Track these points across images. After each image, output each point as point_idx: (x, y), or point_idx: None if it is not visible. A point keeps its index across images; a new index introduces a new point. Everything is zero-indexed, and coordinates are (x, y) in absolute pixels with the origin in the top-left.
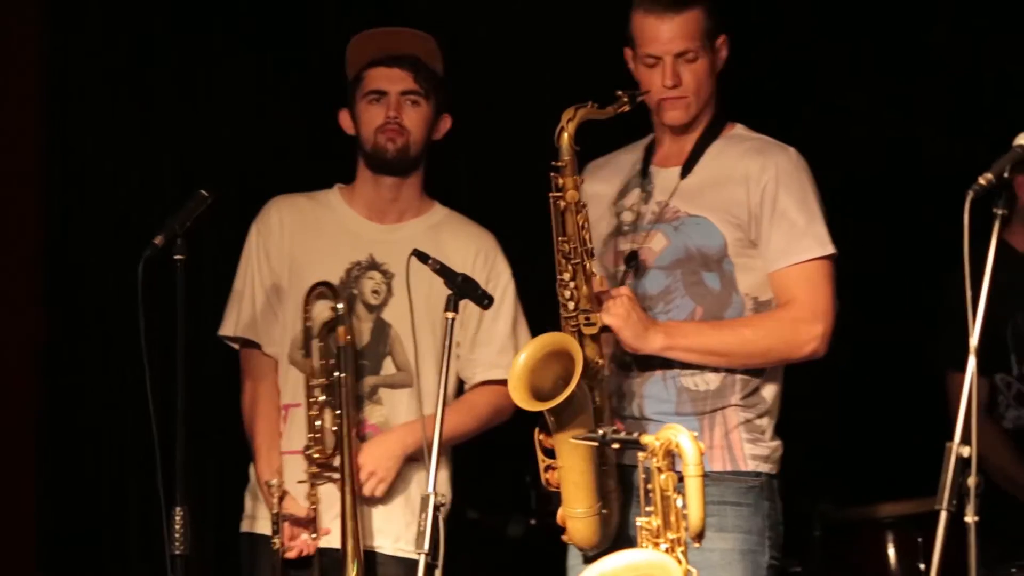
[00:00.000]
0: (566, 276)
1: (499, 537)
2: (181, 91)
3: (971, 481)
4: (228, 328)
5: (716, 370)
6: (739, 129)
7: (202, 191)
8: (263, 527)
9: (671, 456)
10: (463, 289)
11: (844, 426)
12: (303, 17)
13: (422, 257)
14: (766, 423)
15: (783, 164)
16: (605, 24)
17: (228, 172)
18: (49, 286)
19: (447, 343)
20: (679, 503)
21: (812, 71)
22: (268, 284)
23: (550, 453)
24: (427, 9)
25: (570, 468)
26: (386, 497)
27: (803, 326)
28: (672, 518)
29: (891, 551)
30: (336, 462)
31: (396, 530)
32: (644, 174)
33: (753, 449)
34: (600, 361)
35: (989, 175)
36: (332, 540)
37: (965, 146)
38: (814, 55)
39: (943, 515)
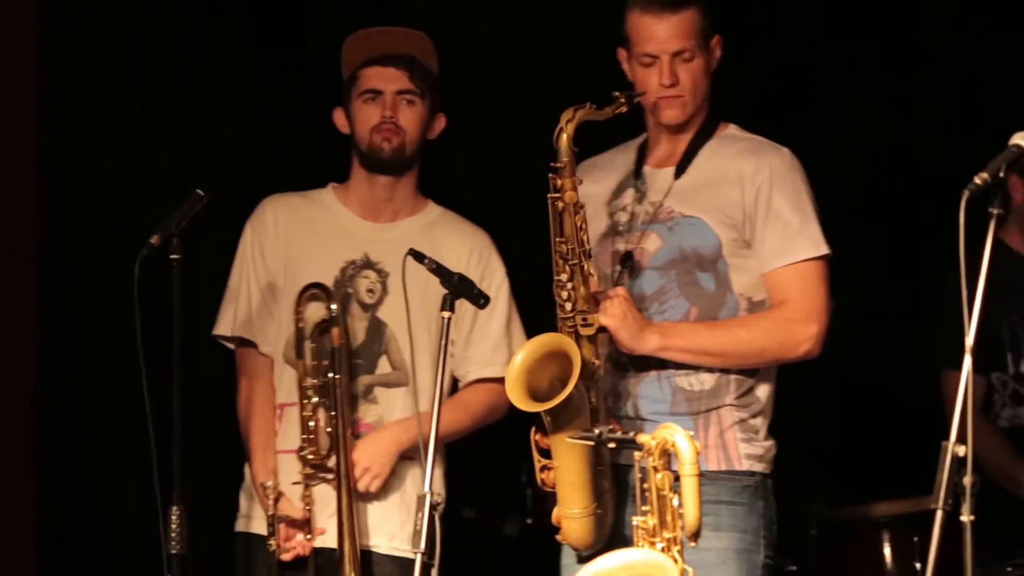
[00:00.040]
0: (563, 277)
1: (495, 536)
2: (181, 91)
3: (967, 480)
4: (224, 327)
5: (711, 370)
6: (732, 129)
7: (198, 191)
8: (259, 527)
9: (667, 455)
10: (459, 288)
11: (840, 426)
12: (302, 17)
13: (418, 256)
14: (760, 423)
15: (777, 165)
16: (603, 24)
17: (227, 172)
18: (48, 286)
19: (443, 342)
20: (675, 502)
21: (812, 71)
22: (263, 283)
23: (546, 453)
24: (425, 9)
25: (566, 468)
26: (381, 496)
27: (797, 326)
28: (668, 517)
29: (887, 550)
30: (331, 463)
31: (391, 529)
32: (638, 174)
33: (748, 448)
34: (596, 362)
35: (985, 175)
36: (327, 540)
37: (963, 146)
38: (814, 55)
39: (939, 514)
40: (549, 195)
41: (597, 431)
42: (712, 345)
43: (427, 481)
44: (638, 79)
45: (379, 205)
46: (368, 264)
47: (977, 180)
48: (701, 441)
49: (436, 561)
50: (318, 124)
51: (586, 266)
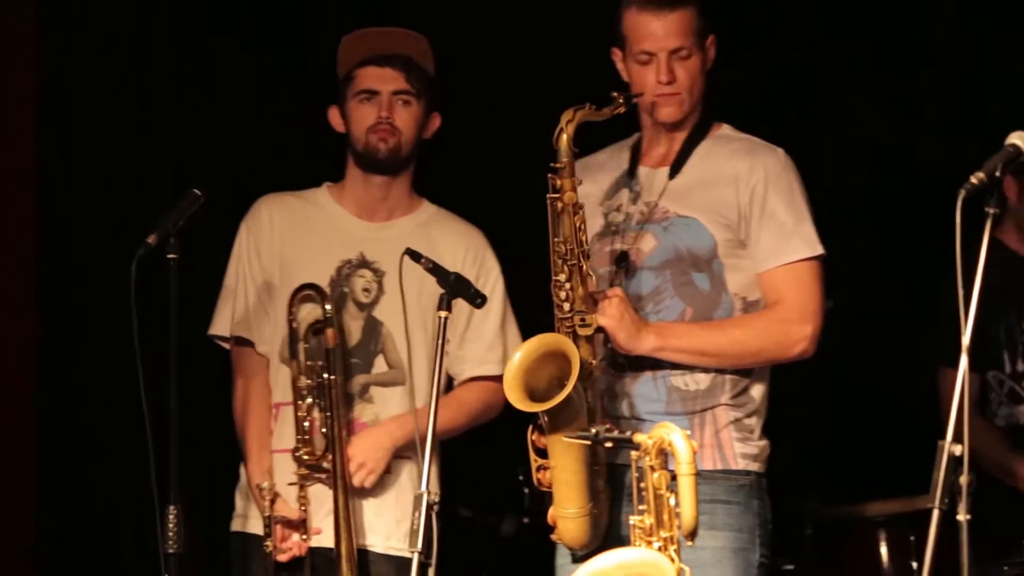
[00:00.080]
0: (562, 277)
1: (492, 536)
2: (181, 91)
3: (963, 479)
4: (221, 327)
5: (706, 370)
6: (726, 129)
7: (195, 190)
8: (255, 527)
9: (664, 455)
10: (456, 288)
11: (837, 425)
12: (302, 18)
13: (415, 256)
14: (755, 422)
15: (771, 165)
16: (598, 25)
17: (226, 172)
18: (48, 286)
19: (440, 342)
20: (672, 501)
21: (812, 71)
22: (259, 282)
23: (542, 453)
24: (422, 9)
25: (563, 468)
26: (377, 495)
27: (793, 326)
28: (665, 516)
29: (883, 549)
30: (326, 463)
31: (387, 528)
32: (632, 174)
33: (743, 448)
34: (593, 362)
35: (981, 174)
36: (323, 539)
37: (963, 146)
38: (814, 55)
39: (935, 513)
40: (548, 195)
41: (594, 430)
42: (708, 345)
43: (424, 480)
44: (634, 77)
45: (374, 204)
46: (364, 263)
47: (973, 180)
48: (696, 440)
49: (433, 560)
50: (315, 123)
51: (584, 266)
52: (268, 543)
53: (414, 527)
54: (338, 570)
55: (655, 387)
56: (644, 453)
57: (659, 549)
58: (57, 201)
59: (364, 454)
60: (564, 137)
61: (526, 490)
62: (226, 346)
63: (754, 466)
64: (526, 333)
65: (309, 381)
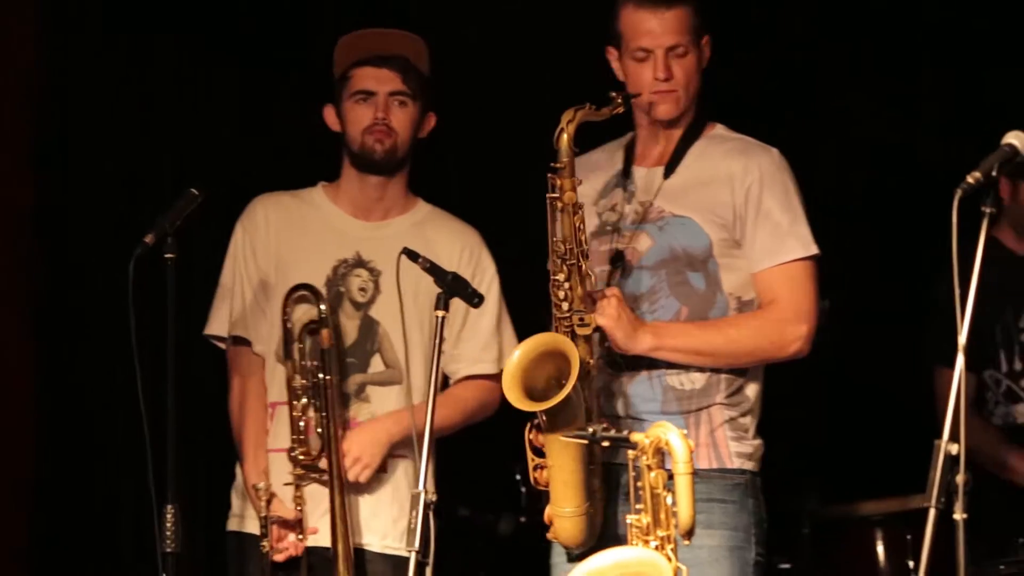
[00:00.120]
0: (560, 277)
1: (489, 535)
2: (180, 91)
3: (960, 478)
4: (219, 327)
5: (701, 369)
6: (720, 129)
7: (192, 190)
8: (251, 526)
9: (661, 454)
10: (453, 287)
11: (833, 424)
12: (302, 18)
13: (412, 256)
14: (749, 421)
15: (766, 165)
16: (593, 26)
17: (225, 172)
18: (47, 286)
19: (437, 341)
20: (669, 501)
21: (812, 71)
22: (255, 282)
23: (539, 452)
24: (417, 10)
25: (560, 467)
26: (373, 494)
27: (788, 326)
28: (662, 516)
29: (880, 548)
30: (321, 463)
31: (383, 527)
32: (626, 174)
33: (738, 447)
34: (591, 361)
35: (977, 174)
36: (319, 539)
37: (963, 146)
38: (814, 55)
39: (932, 512)
40: (548, 195)
41: (591, 430)
42: (704, 345)
43: (422, 479)
44: (631, 75)
45: (370, 204)
46: (360, 263)
47: (970, 179)
48: (692, 440)
49: (431, 559)
50: (313, 123)
51: (584, 266)
52: (264, 543)
53: (411, 526)
54: (335, 569)
55: (650, 386)
56: (641, 452)
57: (656, 548)
58: (57, 201)
59: (360, 449)
60: (565, 137)
61: (523, 489)
62: (222, 346)
63: (749, 465)
64: (521, 332)
65: (304, 381)
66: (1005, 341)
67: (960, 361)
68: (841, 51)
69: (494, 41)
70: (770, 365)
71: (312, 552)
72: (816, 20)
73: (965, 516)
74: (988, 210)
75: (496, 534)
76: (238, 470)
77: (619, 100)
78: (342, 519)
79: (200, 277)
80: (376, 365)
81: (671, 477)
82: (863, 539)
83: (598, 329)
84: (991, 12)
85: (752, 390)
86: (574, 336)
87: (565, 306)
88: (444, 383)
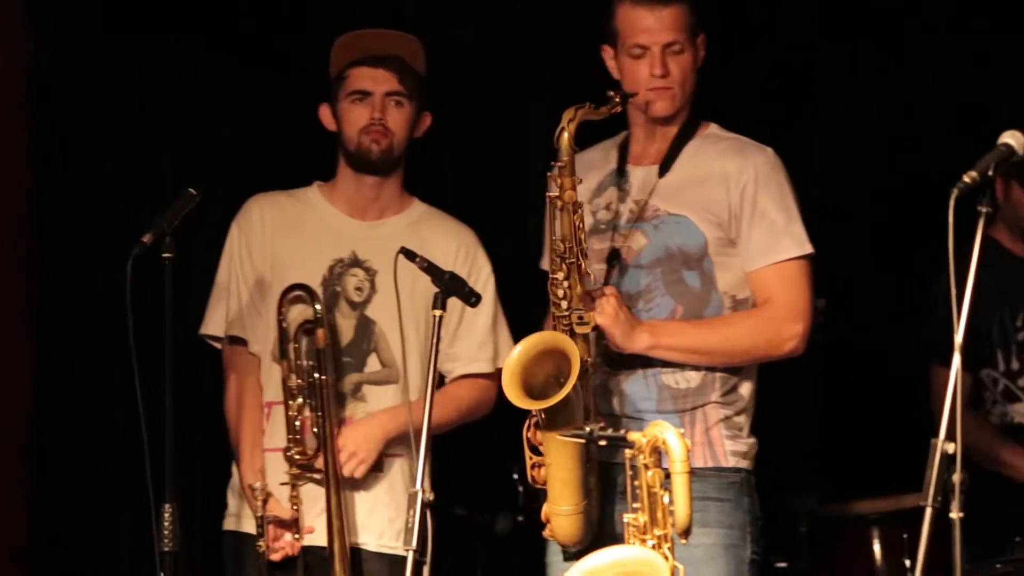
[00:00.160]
0: (560, 275)
1: (486, 533)
2: (181, 91)
3: (956, 477)
4: (215, 327)
5: (696, 368)
6: (714, 128)
7: (190, 189)
8: (248, 526)
9: (658, 453)
10: (450, 287)
11: (830, 423)
12: (301, 19)
13: (410, 255)
14: (744, 420)
15: (761, 164)
16: (588, 26)
17: (225, 172)
18: (47, 286)
19: (434, 341)
20: (665, 499)
21: (812, 71)
22: (251, 282)
23: (537, 450)
24: (415, 10)
25: (558, 466)
26: (369, 493)
27: (783, 325)
28: (659, 514)
29: (876, 547)
30: (318, 463)
31: (380, 526)
32: (620, 173)
33: (733, 445)
34: (588, 359)
35: (974, 173)
36: (316, 538)
37: (963, 146)
38: (814, 55)
39: (928, 511)
40: (548, 194)
41: (588, 429)
42: (700, 343)
43: (419, 478)
44: (627, 72)
45: (366, 204)
46: (356, 262)
47: (966, 179)
48: (687, 438)
49: (428, 559)
50: (311, 123)
51: (583, 265)
52: (261, 543)
53: (409, 525)
54: (331, 569)
55: (646, 385)
56: (638, 451)
57: (653, 547)
58: (57, 201)
59: (356, 444)
60: (565, 136)
61: (520, 488)
62: (217, 346)
63: (744, 463)
64: (515, 331)
65: (300, 381)
66: (1002, 340)
67: (956, 360)
68: (841, 51)
69: (489, 41)
70: (767, 364)
71: (308, 551)
72: (816, 20)
73: (961, 515)
74: (984, 209)
75: (493, 533)
76: (234, 470)
77: (617, 99)
78: (338, 518)
79: (198, 277)
80: (372, 364)
81: (668, 476)
82: (860, 538)
83: (596, 328)
84: (991, 12)
85: (746, 389)
86: (573, 334)
87: (564, 304)
88: (440, 382)
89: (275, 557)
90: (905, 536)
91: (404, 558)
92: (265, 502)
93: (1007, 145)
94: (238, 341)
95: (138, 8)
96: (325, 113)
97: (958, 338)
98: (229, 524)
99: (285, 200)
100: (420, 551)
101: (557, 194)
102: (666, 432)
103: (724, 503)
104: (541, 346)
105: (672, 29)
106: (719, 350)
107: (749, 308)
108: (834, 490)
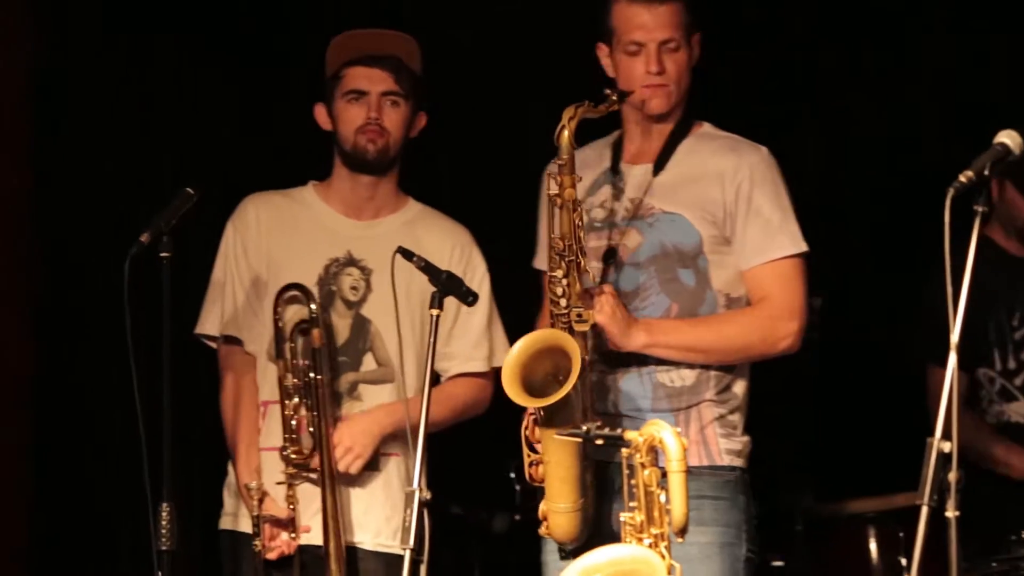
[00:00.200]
0: (559, 273)
1: (483, 532)
2: (180, 91)
3: (952, 476)
4: (211, 326)
5: (691, 366)
6: (707, 127)
7: (188, 189)
8: (244, 525)
9: (654, 452)
10: (447, 286)
11: (827, 421)
12: (301, 19)
13: (407, 254)
14: (738, 418)
15: (756, 163)
16: (584, 26)
17: (225, 172)
18: (47, 286)
19: (431, 340)
20: (662, 498)
21: (812, 71)
22: (247, 281)
23: (535, 448)
24: (411, 10)
25: (557, 463)
26: (365, 491)
27: (779, 323)
28: (655, 513)
29: (873, 546)
30: (314, 463)
31: (376, 525)
32: (615, 171)
33: (727, 444)
34: (586, 357)
35: (970, 172)
36: (312, 537)
37: (963, 146)
38: (814, 55)
39: (924, 510)
40: (548, 192)
41: (585, 428)
42: (696, 341)
43: (416, 477)
44: (622, 70)
45: (361, 203)
46: (351, 261)
47: (962, 178)
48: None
49: (425, 557)
50: (312, 123)
51: (583, 262)
52: (257, 542)
53: (405, 524)
54: (327, 568)
55: (641, 383)
56: (635, 450)
57: (650, 545)
58: (56, 201)
59: (351, 439)
60: (566, 134)
61: (517, 487)
62: (213, 345)
63: (738, 462)
64: (510, 330)
65: (296, 380)
66: (998, 340)
67: (952, 359)
68: (841, 51)
69: (485, 41)
70: (763, 362)
71: (304, 550)
72: (816, 20)
73: (957, 513)
74: (980, 209)
75: (490, 532)
76: (230, 469)
77: (614, 97)
78: (334, 517)
79: (196, 276)
80: (368, 363)
81: (664, 475)
82: (856, 536)
83: (594, 326)
84: (991, 12)
85: (740, 387)
86: (571, 332)
87: (563, 302)
88: (435, 381)
89: (271, 556)
90: (901, 535)
91: (400, 557)
92: (261, 501)
93: (1003, 144)
94: (234, 341)
95: (138, 8)
96: (321, 113)
97: (954, 337)
98: (226, 523)
99: (281, 200)
100: (417, 550)
101: (557, 192)
102: (663, 431)
103: (719, 501)
104: (541, 344)
105: (668, 26)
106: (715, 348)
107: (743, 306)
108: (830, 488)
